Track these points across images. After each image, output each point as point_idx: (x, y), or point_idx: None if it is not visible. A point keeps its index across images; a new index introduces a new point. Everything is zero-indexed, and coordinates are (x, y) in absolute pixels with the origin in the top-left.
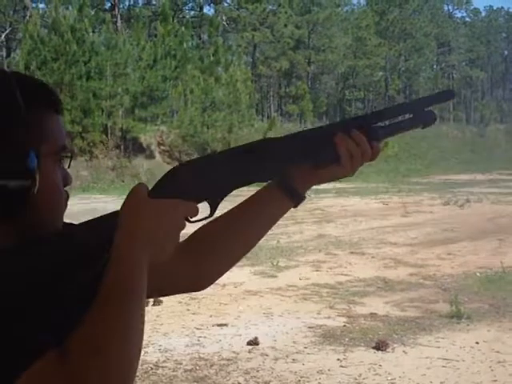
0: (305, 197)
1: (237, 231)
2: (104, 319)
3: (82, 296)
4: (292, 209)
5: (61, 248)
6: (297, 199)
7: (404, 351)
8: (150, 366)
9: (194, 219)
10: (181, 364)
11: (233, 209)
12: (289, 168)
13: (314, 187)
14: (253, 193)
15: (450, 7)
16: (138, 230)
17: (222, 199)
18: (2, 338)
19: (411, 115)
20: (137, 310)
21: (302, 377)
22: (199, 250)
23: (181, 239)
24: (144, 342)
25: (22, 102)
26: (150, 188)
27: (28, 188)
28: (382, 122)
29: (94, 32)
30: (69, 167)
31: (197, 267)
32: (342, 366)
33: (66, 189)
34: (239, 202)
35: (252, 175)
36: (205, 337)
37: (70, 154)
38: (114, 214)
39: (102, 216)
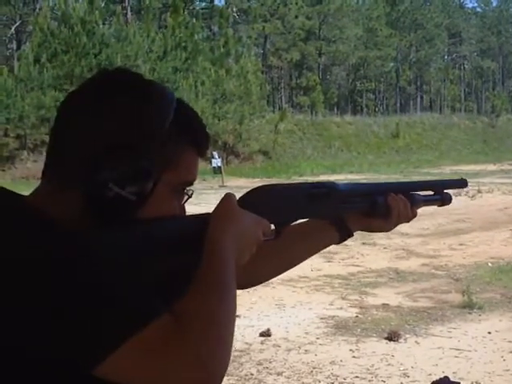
0: (348, 237)
1: (284, 251)
2: (207, 295)
3: (176, 278)
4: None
5: (162, 230)
6: (344, 236)
7: (416, 341)
8: None
9: (265, 238)
10: None
11: (290, 226)
12: (346, 211)
13: (327, 178)
14: None
15: None
16: (229, 232)
17: (288, 225)
18: (115, 299)
19: (433, 193)
20: (232, 294)
21: (314, 367)
22: (259, 256)
23: None
24: None
25: (170, 125)
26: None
27: (133, 204)
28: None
29: (104, 24)
30: (184, 202)
31: (244, 273)
32: (354, 357)
33: None
34: None
35: (317, 214)
36: None
37: (191, 193)
38: (206, 214)
39: (195, 214)
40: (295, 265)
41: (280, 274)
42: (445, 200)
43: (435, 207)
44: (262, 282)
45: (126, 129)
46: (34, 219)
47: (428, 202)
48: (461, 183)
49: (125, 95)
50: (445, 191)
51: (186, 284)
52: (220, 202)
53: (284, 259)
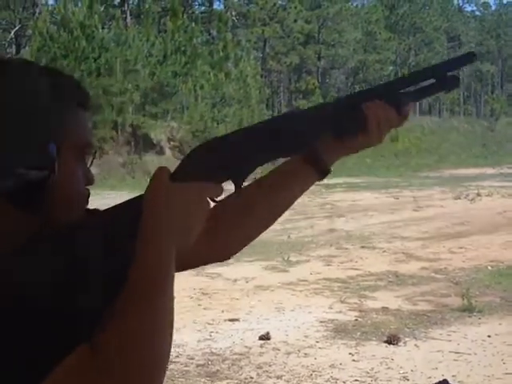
0: (331, 170)
1: (260, 204)
2: (134, 311)
3: (109, 284)
4: (306, 201)
5: (85, 236)
6: (323, 171)
7: (416, 345)
8: None
9: (219, 199)
10: (193, 359)
11: (256, 181)
12: (315, 140)
13: (325, 181)
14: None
15: (459, 1)
16: (163, 217)
17: (247, 177)
18: (33, 332)
19: (434, 80)
20: (167, 300)
21: (313, 371)
22: (223, 223)
23: None
24: None
25: (48, 94)
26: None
27: (46, 178)
28: (407, 88)
29: (103, 28)
30: (90, 165)
31: (220, 239)
32: (353, 360)
33: (87, 187)
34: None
35: (277, 151)
36: (217, 332)
37: (94, 152)
38: (139, 197)
39: (127, 200)
40: (274, 220)
41: (259, 233)
42: (449, 84)
43: (435, 209)
44: (241, 248)
45: (5, 113)
46: None
47: (424, 93)
48: (466, 58)
49: None
50: (448, 74)
51: (112, 297)
52: (149, 183)
53: (259, 216)
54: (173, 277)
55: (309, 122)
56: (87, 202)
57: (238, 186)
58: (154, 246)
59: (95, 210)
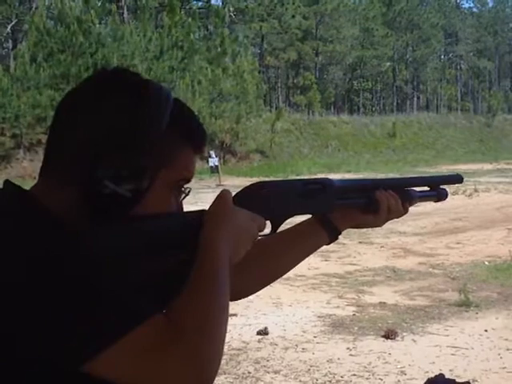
0: (338, 237)
1: (272, 256)
2: (202, 294)
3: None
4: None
5: (155, 227)
6: (333, 237)
7: (413, 340)
8: None
9: (261, 233)
10: None
11: (273, 235)
12: (336, 208)
13: (324, 175)
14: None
15: None
16: (224, 229)
17: (283, 222)
18: (104, 297)
19: (429, 188)
20: (226, 293)
21: (311, 366)
22: (253, 259)
23: None
24: None
25: (168, 123)
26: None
27: (129, 201)
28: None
29: (100, 23)
30: (181, 200)
31: (238, 278)
32: (351, 355)
33: None
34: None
35: (312, 209)
36: None
37: (188, 190)
38: (200, 211)
39: (189, 211)
40: (285, 272)
41: (270, 283)
42: (440, 195)
43: (433, 205)
44: (252, 293)
45: (123, 128)
46: (38, 216)
47: (423, 197)
48: (456, 179)
49: (123, 94)
50: (441, 187)
51: (180, 282)
52: (216, 199)
53: (273, 268)
54: (228, 277)
55: (342, 192)
56: None
57: (274, 228)
58: (214, 253)
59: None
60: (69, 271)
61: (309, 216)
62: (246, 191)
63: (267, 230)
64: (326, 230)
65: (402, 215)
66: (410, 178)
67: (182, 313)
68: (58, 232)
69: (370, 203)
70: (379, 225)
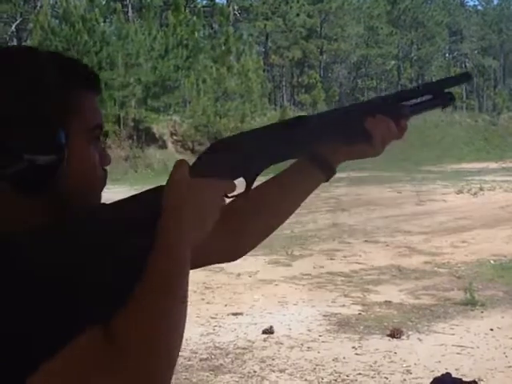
0: (336, 171)
1: (269, 205)
2: (151, 300)
3: (128, 270)
4: (310, 195)
5: (106, 219)
6: (329, 173)
7: (419, 339)
8: None
9: (231, 195)
10: (196, 353)
11: (265, 182)
12: (322, 144)
13: None
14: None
15: None
16: (184, 213)
17: (258, 175)
18: (44, 309)
19: (431, 96)
20: (184, 293)
21: (317, 365)
22: (232, 223)
23: None
24: None
25: (54, 78)
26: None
27: (56, 163)
28: (406, 102)
29: (105, 22)
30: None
31: (230, 240)
32: (357, 354)
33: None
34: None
35: (288, 151)
36: (220, 326)
37: (106, 134)
38: (159, 188)
39: (147, 190)
40: (284, 219)
41: (271, 232)
42: (445, 101)
43: (438, 204)
44: (251, 248)
45: (13, 99)
46: None
47: (423, 108)
48: (462, 78)
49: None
50: (445, 91)
51: (131, 287)
52: (169, 177)
53: (272, 216)
54: (189, 267)
55: (319, 126)
56: (105, 183)
57: (248, 184)
58: (174, 239)
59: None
60: (7, 283)
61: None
62: (205, 156)
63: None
64: (320, 167)
65: (401, 136)
66: (401, 92)
67: (125, 323)
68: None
69: (358, 133)
70: (378, 153)
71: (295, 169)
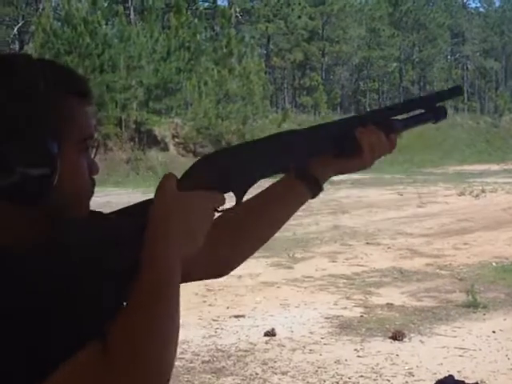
0: (323, 188)
1: (256, 220)
2: (140, 312)
3: (117, 282)
4: (309, 200)
5: (97, 232)
6: (315, 190)
7: (421, 341)
8: None
9: (220, 208)
10: (198, 355)
11: (253, 197)
12: (310, 159)
13: (330, 178)
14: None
15: None
16: (171, 225)
17: (248, 189)
18: (43, 325)
19: (423, 110)
20: (174, 305)
21: (319, 367)
22: (219, 237)
23: None
24: None
25: (45, 88)
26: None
27: (49, 175)
28: (397, 116)
29: (107, 24)
30: (94, 157)
31: (217, 255)
32: (359, 356)
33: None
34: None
35: (277, 166)
36: (222, 328)
37: (97, 144)
38: (148, 201)
39: (135, 204)
40: (271, 234)
41: (256, 248)
42: (438, 115)
43: (440, 206)
44: (239, 264)
45: (5, 109)
46: None
47: (415, 123)
48: (454, 91)
49: None
50: (437, 105)
51: (120, 302)
52: (156, 191)
53: (255, 233)
54: (179, 281)
55: (308, 140)
56: (93, 192)
57: (238, 198)
58: (161, 250)
59: (98, 213)
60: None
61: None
62: (193, 168)
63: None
64: (306, 184)
65: (390, 150)
66: (392, 105)
67: (117, 337)
68: None
69: (347, 145)
70: (367, 166)
71: (281, 184)
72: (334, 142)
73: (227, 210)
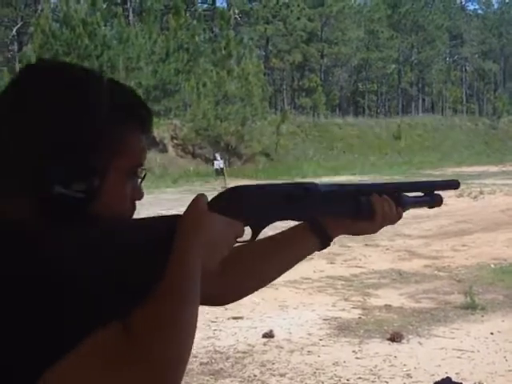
0: (330, 244)
1: (263, 261)
2: (170, 302)
3: (146, 274)
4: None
5: (128, 233)
6: (325, 244)
7: (419, 342)
8: None
9: (238, 240)
10: (196, 357)
11: (264, 239)
12: (327, 215)
13: (329, 178)
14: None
15: None
16: (198, 238)
17: (265, 228)
18: (67, 301)
19: (423, 194)
20: (194, 309)
21: (317, 369)
22: (229, 266)
23: None
24: None
25: (108, 108)
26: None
27: (87, 195)
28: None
29: (105, 26)
30: (140, 183)
31: (221, 283)
32: (357, 358)
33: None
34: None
35: (295, 214)
36: (220, 330)
37: (144, 174)
38: (173, 217)
39: (160, 216)
40: (276, 276)
41: (261, 287)
42: (435, 201)
43: (438, 208)
44: (242, 297)
45: (62, 126)
46: None
47: (416, 203)
48: (452, 184)
49: (55, 92)
50: (435, 192)
51: (145, 292)
52: (189, 204)
53: (263, 271)
54: (199, 289)
55: (324, 200)
56: (131, 217)
57: (254, 234)
58: (187, 259)
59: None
60: (29, 278)
61: (293, 222)
62: (223, 195)
63: (247, 236)
64: (318, 236)
65: (396, 221)
66: (403, 182)
67: (143, 323)
68: (16, 241)
69: (363, 209)
70: (374, 231)
71: (295, 231)
72: (352, 205)
73: (243, 242)
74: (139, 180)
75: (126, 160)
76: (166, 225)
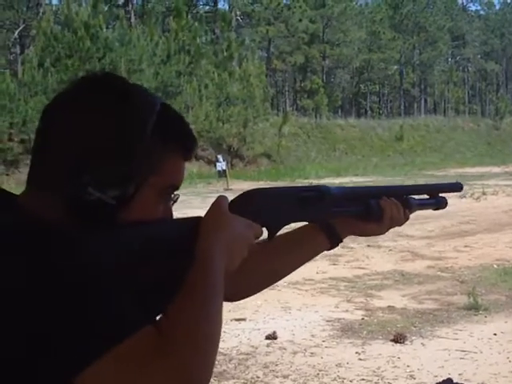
0: (339, 244)
1: (274, 260)
2: (197, 299)
3: (159, 285)
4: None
5: (149, 234)
6: (334, 244)
7: (422, 343)
8: None
9: (257, 241)
10: None
11: (275, 238)
12: (338, 216)
13: (332, 181)
14: None
15: (463, 0)
16: (219, 238)
17: (280, 229)
18: (99, 307)
19: (428, 196)
20: (219, 306)
21: (320, 370)
22: (250, 264)
23: None
24: None
25: (152, 127)
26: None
27: (115, 208)
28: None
29: (107, 28)
30: (172, 205)
31: (232, 283)
32: (360, 359)
33: None
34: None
35: (309, 217)
36: (223, 331)
37: (176, 197)
38: (195, 218)
39: (183, 218)
40: (286, 275)
41: (270, 285)
42: (440, 204)
43: (440, 209)
44: (251, 295)
45: (109, 134)
46: (31, 225)
47: (422, 205)
48: (455, 187)
49: (109, 101)
50: (440, 195)
51: (173, 292)
52: (211, 206)
53: (274, 269)
54: (223, 287)
55: (338, 200)
56: None
57: (271, 235)
58: (210, 258)
59: None
60: (67, 279)
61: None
62: (242, 198)
63: (263, 237)
64: (328, 236)
65: (403, 223)
66: (410, 185)
67: (171, 324)
68: (52, 240)
69: (373, 211)
70: (382, 233)
71: (304, 230)
72: (362, 207)
73: (259, 242)
74: (171, 202)
75: (162, 179)
76: (188, 226)
